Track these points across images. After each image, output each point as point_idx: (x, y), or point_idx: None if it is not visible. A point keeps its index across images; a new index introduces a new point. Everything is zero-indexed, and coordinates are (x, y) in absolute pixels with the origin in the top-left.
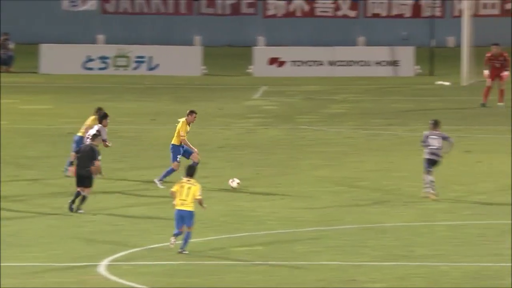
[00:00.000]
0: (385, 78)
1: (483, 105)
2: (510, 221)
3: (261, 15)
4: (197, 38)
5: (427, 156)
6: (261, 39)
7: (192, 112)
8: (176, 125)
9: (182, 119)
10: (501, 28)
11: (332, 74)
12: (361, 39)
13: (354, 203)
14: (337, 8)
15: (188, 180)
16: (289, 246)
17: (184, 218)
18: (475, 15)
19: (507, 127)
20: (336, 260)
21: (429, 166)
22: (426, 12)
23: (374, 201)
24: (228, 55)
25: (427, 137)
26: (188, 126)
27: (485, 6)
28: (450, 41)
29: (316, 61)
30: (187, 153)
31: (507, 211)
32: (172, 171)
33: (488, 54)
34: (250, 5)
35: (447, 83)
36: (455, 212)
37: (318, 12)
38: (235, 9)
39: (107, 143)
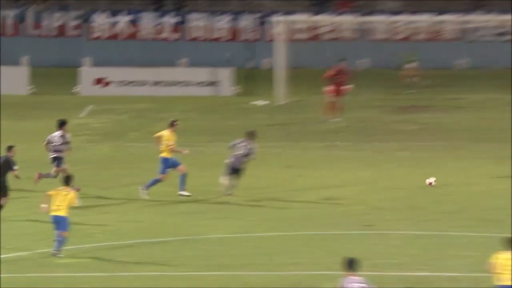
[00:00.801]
0: (206, 97)
1: (327, 120)
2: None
3: (87, 37)
4: (24, 59)
5: (229, 160)
6: (87, 60)
7: (173, 121)
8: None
9: (164, 132)
10: (312, 50)
11: (156, 93)
12: (184, 60)
13: (176, 215)
14: (160, 31)
15: (65, 188)
16: (112, 256)
17: (59, 224)
18: (289, 40)
19: (327, 143)
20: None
21: (231, 172)
22: (245, 36)
23: (195, 212)
24: (55, 76)
25: (235, 144)
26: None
27: (296, 31)
28: (266, 63)
29: (141, 81)
30: (175, 165)
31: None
32: (158, 181)
33: (331, 72)
34: (76, 27)
35: (264, 102)
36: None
37: (142, 34)
38: (61, 31)
39: None
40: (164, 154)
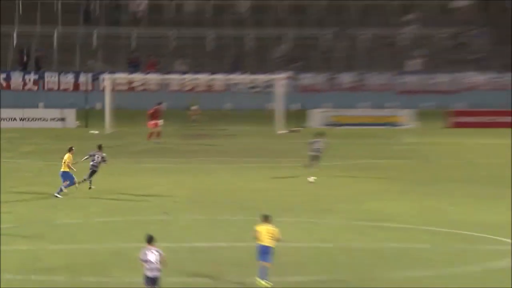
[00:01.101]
0: (57, 129)
1: (148, 142)
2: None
3: None
4: None
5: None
6: None
7: (71, 148)
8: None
9: (66, 155)
10: (129, 97)
11: (23, 126)
12: (42, 104)
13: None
14: (25, 84)
15: None
16: None
17: None
18: (113, 90)
19: (138, 159)
20: None
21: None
22: (83, 87)
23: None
24: None
25: (94, 154)
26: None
27: (118, 84)
28: (99, 105)
29: (12, 117)
30: (71, 178)
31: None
32: (71, 185)
33: (151, 111)
34: None
35: (97, 132)
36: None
37: (13, 86)
38: None
39: None
40: (64, 169)
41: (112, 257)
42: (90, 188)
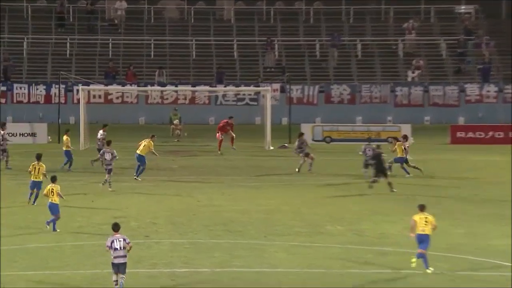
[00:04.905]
0: (27, 145)
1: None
2: None
3: None
4: None
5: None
6: None
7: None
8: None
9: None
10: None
11: None
12: (10, 117)
13: None
14: None
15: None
16: None
17: None
18: (87, 102)
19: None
20: None
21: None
22: (55, 100)
23: None
24: None
25: (103, 153)
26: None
27: (94, 96)
28: (72, 119)
29: None
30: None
31: None
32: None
33: (221, 124)
34: None
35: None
36: None
37: None
38: None
39: None
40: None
41: (84, 283)
42: (110, 188)
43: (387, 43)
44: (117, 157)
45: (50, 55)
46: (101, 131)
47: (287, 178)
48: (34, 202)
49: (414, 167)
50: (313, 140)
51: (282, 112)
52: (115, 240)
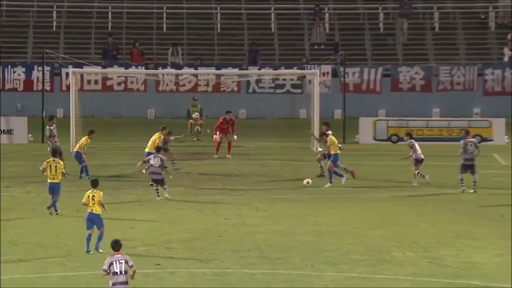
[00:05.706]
0: (2, 145)
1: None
2: None
3: None
4: None
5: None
6: None
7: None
8: None
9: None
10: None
11: None
12: None
13: None
14: None
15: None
16: None
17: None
18: (80, 90)
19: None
20: None
21: None
22: (38, 86)
23: None
24: None
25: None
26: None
27: (88, 82)
28: (60, 112)
29: None
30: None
31: None
32: None
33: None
34: None
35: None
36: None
37: None
38: None
39: None
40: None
41: None
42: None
43: (474, 12)
44: (165, 164)
45: (31, 28)
46: (50, 127)
47: (341, 190)
48: (56, 211)
49: None
50: (375, 139)
51: (334, 103)
52: (114, 262)
